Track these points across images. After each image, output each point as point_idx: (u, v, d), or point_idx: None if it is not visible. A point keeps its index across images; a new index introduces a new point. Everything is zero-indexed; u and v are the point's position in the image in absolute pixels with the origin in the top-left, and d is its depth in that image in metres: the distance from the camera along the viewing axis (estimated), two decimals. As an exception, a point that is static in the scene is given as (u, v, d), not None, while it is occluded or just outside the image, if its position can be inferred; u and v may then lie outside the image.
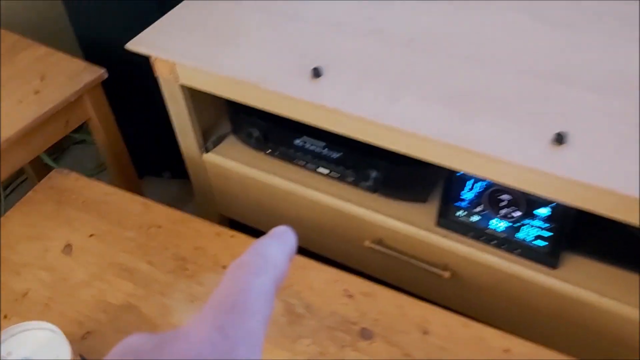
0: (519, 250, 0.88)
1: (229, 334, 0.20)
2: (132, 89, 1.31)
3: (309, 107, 0.85)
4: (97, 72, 1.06)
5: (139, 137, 1.39)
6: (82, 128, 1.76)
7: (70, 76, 1.05)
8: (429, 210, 0.97)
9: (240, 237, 0.90)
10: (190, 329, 0.21)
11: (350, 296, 0.81)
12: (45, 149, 1.06)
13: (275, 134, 1.02)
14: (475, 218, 0.89)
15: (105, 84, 1.09)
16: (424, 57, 0.87)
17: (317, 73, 0.85)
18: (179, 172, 1.50)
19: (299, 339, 0.76)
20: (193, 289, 0.84)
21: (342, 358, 0.74)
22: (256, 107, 0.92)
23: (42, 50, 1.12)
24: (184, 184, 1.46)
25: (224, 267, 0.86)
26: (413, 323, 0.77)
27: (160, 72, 0.98)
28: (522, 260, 0.88)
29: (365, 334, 0.77)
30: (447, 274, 0.93)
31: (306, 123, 0.88)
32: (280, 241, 0.24)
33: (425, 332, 0.76)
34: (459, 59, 0.86)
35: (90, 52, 1.29)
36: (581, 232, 0.87)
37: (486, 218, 0.88)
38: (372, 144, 0.85)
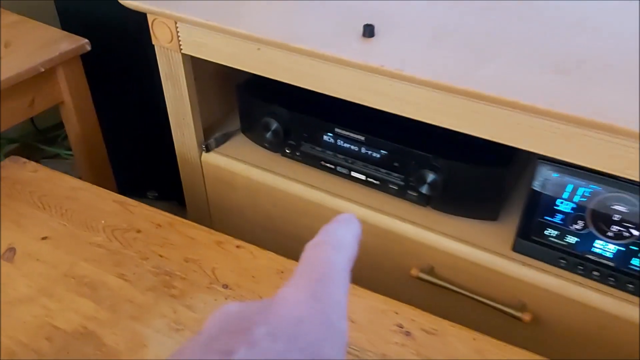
0: (632, 286, 0.65)
1: (323, 300, 0.22)
2: (116, 77, 1.10)
3: (357, 75, 0.64)
4: (76, 42, 0.86)
5: (120, 142, 1.17)
6: (57, 141, 1.54)
7: (43, 45, 0.85)
8: (501, 231, 0.74)
9: (249, 248, 0.67)
10: (288, 295, 0.22)
11: (406, 334, 0.57)
12: (4, 130, 0.83)
13: (300, 126, 0.81)
14: (571, 239, 0.67)
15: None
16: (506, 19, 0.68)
17: (369, 32, 0.65)
18: (167, 192, 1.27)
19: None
20: (179, 313, 0.59)
21: None
22: (280, 83, 0.71)
23: (14, 17, 0.92)
24: (173, 208, 1.23)
25: (226, 286, 0.62)
26: (505, 376, 0.53)
27: (159, 38, 0.78)
28: (635, 298, 0.65)
29: (434, 390, 0.52)
30: (526, 317, 0.69)
31: (349, 99, 0.67)
32: (348, 224, 0.26)
33: (524, 391, 0.52)
34: (546, 22, 0.66)
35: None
36: None
37: (588, 239, 0.66)
38: (435, 133, 0.63)
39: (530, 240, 0.69)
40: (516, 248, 0.71)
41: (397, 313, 0.59)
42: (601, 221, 0.64)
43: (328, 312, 0.22)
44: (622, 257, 0.64)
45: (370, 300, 0.61)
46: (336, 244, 0.24)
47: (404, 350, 0.56)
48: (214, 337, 0.22)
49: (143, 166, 1.26)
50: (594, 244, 0.66)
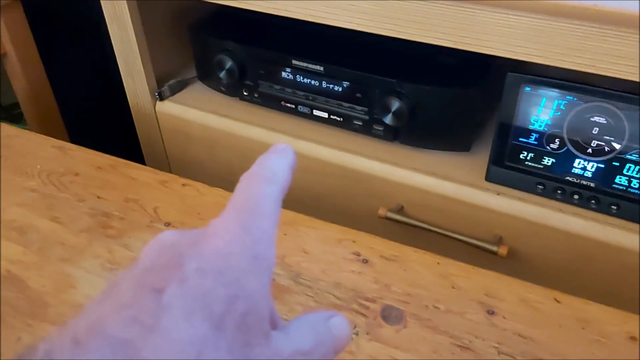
0: (616, 208, 0.60)
1: (252, 231, 0.23)
2: (61, 25, 1.04)
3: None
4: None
5: (72, 98, 1.11)
6: (22, 119, 1.49)
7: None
8: (475, 161, 0.69)
9: (196, 186, 0.62)
10: (218, 228, 0.23)
11: (363, 261, 0.52)
12: None
13: (255, 62, 0.76)
14: (548, 161, 0.62)
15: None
16: None
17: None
18: (125, 150, 1.22)
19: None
20: (115, 253, 0.55)
21: (352, 350, 0.45)
22: (232, 19, 0.66)
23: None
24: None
25: (168, 224, 0.57)
26: (472, 299, 0.48)
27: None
28: (622, 222, 0.60)
29: (390, 315, 0.47)
30: (502, 250, 0.64)
31: (301, 16, 0.62)
32: (283, 155, 0.27)
33: (493, 313, 0.47)
34: None
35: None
36: None
37: (566, 159, 0.61)
38: (398, 57, 0.58)
39: (504, 166, 0.64)
40: (490, 177, 0.66)
41: (354, 242, 0.54)
42: (580, 137, 0.59)
43: (256, 243, 0.23)
44: (604, 176, 0.59)
45: (326, 231, 0.56)
46: (269, 175, 0.25)
47: (360, 278, 0.51)
48: (147, 269, 0.22)
49: (98, 123, 1.19)
50: (573, 164, 0.61)
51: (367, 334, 0.46)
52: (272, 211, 0.24)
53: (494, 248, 0.64)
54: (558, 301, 0.47)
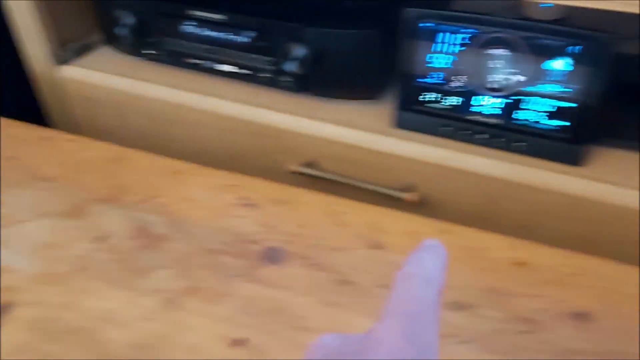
0: (523, 144, 0.58)
1: (416, 343, 0.22)
2: None
3: None
4: None
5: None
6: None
7: None
8: (385, 109, 0.67)
9: (83, 141, 0.59)
10: (381, 336, 0.23)
11: (250, 206, 0.50)
12: None
13: (156, 15, 0.72)
14: (451, 101, 0.60)
15: None
16: None
17: None
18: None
19: (152, 270, 0.44)
20: (-14, 210, 0.51)
21: (227, 292, 0.42)
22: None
23: None
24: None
25: (47, 179, 0.54)
26: (357, 235, 0.47)
27: None
28: (526, 159, 0.59)
29: (273, 256, 0.45)
30: (413, 197, 0.62)
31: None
32: (435, 252, 0.26)
33: (379, 247, 0.45)
34: None
35: None
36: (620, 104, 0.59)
37: (470, 97, 0.59)
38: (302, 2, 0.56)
39: (410, 110, 0.63)
40: (397, 123, 0.64)
41: (241, 186, 0.52)
42: (481, 73, 0.58)
43: (421, 355, 0.22)
44: (508, 113, 0.58)
45: (213, 178, 0.53)
46: (426, 276, 0.25)
47: (245, 222, 0.48)
48: None
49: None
50: (477, 102, 0.59)
51: (246, 275, 0.44)
52: (433, 317, 0.24)
53: (403, 195, 0.63)
54: (444, 231, 0.46)
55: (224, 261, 0.44)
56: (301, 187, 0.69)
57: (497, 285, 0.42)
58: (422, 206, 0.65)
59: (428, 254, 0.26)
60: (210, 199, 0.51)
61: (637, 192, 0.56)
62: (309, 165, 0.68)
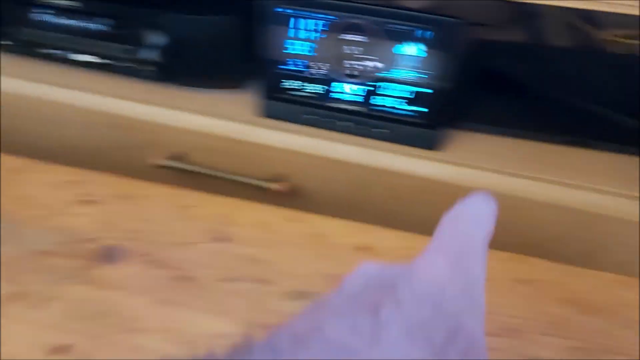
0: (384, 130, 0.59)
1: (463, 273, 0.22)
2: None
3: None
4: None
5: None
6: None
7: None
8: (249, 99, 0.66)
9: None
10: (426, 263, 0.22)
11: (91, 202, 0.47)
12: None
13: (10, 5, 0.67)
14: (313, 88, 0.60)
15: None
16: None
17: None
18: None
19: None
20: None
21: (55, 296, 0.39)
22: None
23: None
24: None
25: None
26: (204, 229, 0.45)
27: None
28: (388, 145, 0.59)
29: (109, 254, 0.42)
30: (282, 187, 0.61)
31: None
32: (485, 200, 0.26)
33: (225, 240, 0.44)
34: None
35: None
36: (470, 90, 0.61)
37: (331, 84, 0.59)
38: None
39: (274, 99, 0.62)
40: (263, 112, 0.63)
41: (83, 182, 0.49)
42: (340, 58, 0.57)
43: (469, 286, 0.22)
44: (369, 99, 0.58)
45: (51, 174, 0.50)
46: (474, 217, 0.25)
47: (84, 220, 0.45)
48: (357, 293, 0.22)
49: None
50: (338, 89, 0.59)
51: (77, 277, 0.41)
52: (481, 255, 0.23)
53: (271, 185, 0.61)
54: (293, 220, 0.45)
55: (54, 263, 0.41)
56: (168, 182, 0.67)
57: (338, 270, 0.41)
58: (294, 196, 0.64)
59: (477, 199, 0.26)
60: (46, 197, 0.47)
61: (492, 174, 0.57)
62: (176, 158, 0.66)
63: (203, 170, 0.64)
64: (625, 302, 0.40)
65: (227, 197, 0.47)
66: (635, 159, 0.57)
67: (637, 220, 0.54)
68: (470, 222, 0.24)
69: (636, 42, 0.70)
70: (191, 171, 0.64)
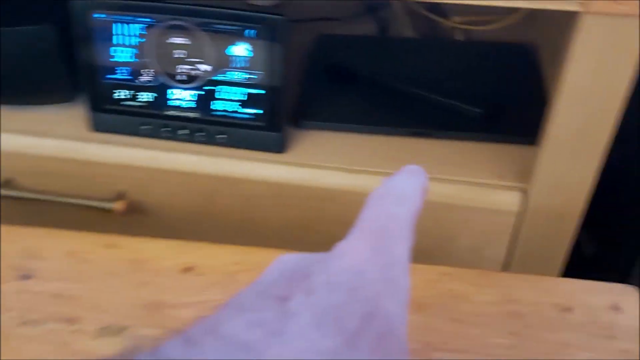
0: (224, 136, 0.56)
1: (385, 254, 0.22)
2: None
3: None
4: None
5: None
6: None
7: None
8: (80, 114, 0.60)
9: None
10: (346, 248, 0.22)
11: None
12: None
13: None
14: (145, 97, 0.56)
15: None
16: None
17: None
18: None
19: None
20: None
21: None
22: None
23: None
24: None
25: None
26: (6, 265, 0.40)
27: None
28: (231, 151, 0.56)
29: None
30: (119, 206, 0.57)
31: None
32: (412, 176, 0.25)
33: (29, 277, 0.39)
34: None
35: None
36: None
37: (162, 92, 0.55)
38: None
39: (105, 111, 0.57)
40: (94, 126, 0.58)
41: None
42: (167, 64, 0.54)
43: (389, 267, 0.22)
44: (203, 104, 0.55)
45: None
46: (398, 196, 0.24)
47: None
48: (270, 283, 0.21)
49: None
50: (171, 96, 0.55)
51: None
52: (405, 235, 0.23)
53: (108, 205, 0.57)
54: (111, 246, 0.41)
55: None
56: (6, 211, 0.60)
57: (158, 298, 0.38)
58: (135, 215, 0.59)
59: (404, 176, 0.25)
60: None
61: (341, 173, 0.56)
62: (4, 184, 0.59)
63: (32, 196, 0.58)
64: (455, 294, 0.39)
65: (35, 227, 0.43)
66: (479, 145, 0.58)
67: (487, 206, 0.55)
68: (394, 199, 0.24)
69: (478, 27, 0.71)
70: (20, 198, 0.58)
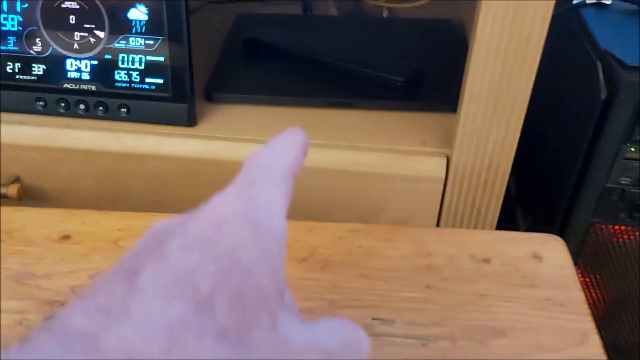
0: (126, 109, 0.52)
1: (252, 195, 0.20)
2: None
3: None
4: None
5: None
6: None
7: None
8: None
9: None
10: (212, 202, 0.20)
11: None
12: None
13: None
14: (38, 69, 0.51)
15: None
16: None
17: None
18: None
19: None
20: None
21: None
22: None
23: None
24: None
25: None
26: None
27: None
28: (136, 125, 0.52)
29: None
30: (13, 190, 0.52)
31: None
32: (290, 135, 0.24)
33: None
34: None
35: None
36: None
37: (57, 63, 0.51)
38: None
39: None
40: (-13, 104, 0.53)
41: None
42: (59, 30, 0.49)
43: (256, 207, 0.20)
44: (102, 75, 0.51)
45: None
46: (272, 151, 0.23)
47: None
48: (126, 258, 0.19)
49: None
50: (66, 67, 0.51)
51: None
52: (279, 181, 0.21)
53: (1, 190, 0.52)
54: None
55: None
56: None
57: (31, 269, 0.33)
58: (32, 199, 0.54)
59: (281, 135, 0.24)
60: None
61: (255, 145, 0.53)
62: None
63: None
64: (366, 250, 0.36)
65: None
66: (402, 114, 0.56)
67: (412, 174, 0.52)
68: (266, 154, 0.23)
69: (402, 5, 0.70)
70: None
